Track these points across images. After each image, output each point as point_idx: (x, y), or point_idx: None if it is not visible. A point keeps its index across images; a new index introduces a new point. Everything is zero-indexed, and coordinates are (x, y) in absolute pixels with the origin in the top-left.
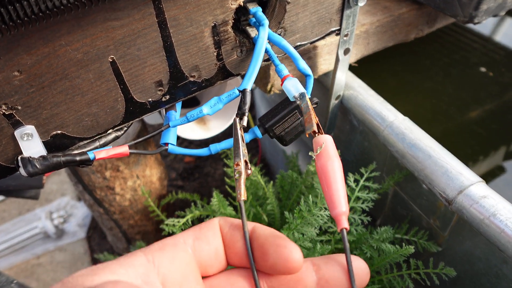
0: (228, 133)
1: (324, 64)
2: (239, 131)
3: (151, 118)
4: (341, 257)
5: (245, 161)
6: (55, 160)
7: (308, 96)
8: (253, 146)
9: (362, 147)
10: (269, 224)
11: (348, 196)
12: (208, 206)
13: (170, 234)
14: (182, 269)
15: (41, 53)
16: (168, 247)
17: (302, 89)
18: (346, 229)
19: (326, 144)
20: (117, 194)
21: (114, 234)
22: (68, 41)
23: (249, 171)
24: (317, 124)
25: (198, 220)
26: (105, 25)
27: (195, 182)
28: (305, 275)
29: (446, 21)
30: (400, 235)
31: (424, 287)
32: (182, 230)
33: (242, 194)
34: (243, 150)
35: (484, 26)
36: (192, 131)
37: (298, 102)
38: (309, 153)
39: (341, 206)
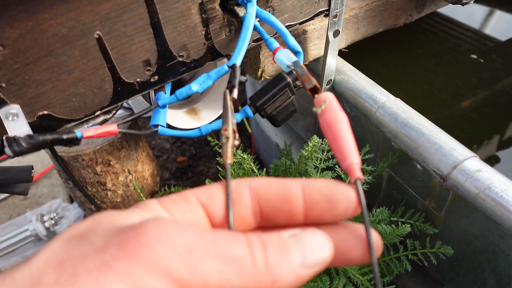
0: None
1: (314, 50)
2: (228, 102)
3: (140, 108)
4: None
5: (233, 130)
6: (41, 138)
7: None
8: (246, 144)
9: (355, 133)
10: None
11: (342, 180)
12: None
13: None
14: (191, 222)
15: (24, 26)
16: (180, 200)
17: (295, 58)
18: (360, 179)
19: (330, 100)
20: (109, 190)
21: None
22: (52, 14)
23: (236, 142)
24: (316, 82)
25: None
26: None
27: (189, 181)
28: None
29: (435, 6)
30: (396, 218)
31: (422, 268)
32: None
33: (229, 157)
34: (231, 119)
35: (473, 20)
36: (184, 121)
37: (292, 69)
38: (313, 110)
39: (353, 156)
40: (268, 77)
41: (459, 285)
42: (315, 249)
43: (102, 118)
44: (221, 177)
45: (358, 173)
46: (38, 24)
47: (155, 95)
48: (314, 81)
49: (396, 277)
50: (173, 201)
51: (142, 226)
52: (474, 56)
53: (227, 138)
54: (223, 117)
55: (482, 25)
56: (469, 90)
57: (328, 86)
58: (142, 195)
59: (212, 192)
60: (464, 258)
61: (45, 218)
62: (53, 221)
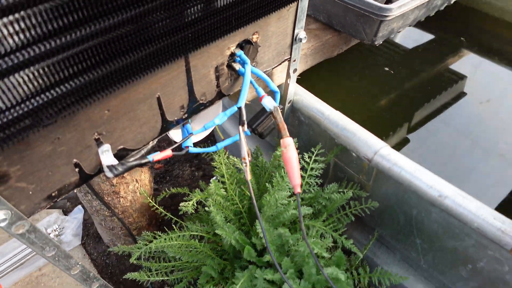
0: (211, 136)
1: (278, 79)
2: (242, 136)
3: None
4: None
5: (248, 153)
6: (129, 164)
7: (280, 108)
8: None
9: (308, 135)
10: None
11: (305, 168)
12: (206, 190)
13: (183, 214)
14: None
15: (121, 97)
16: None
17: (275, 104)
18: (298, 192)
19: (290, 144)
20: (121, 197)
21: (114, 234)
22: (136, 88)
23: (250, 158)
24: (287, 130)
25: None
26: (157, 76)
27: (168, 184)
28: None
29: (356, 41)
30: (341, 189)
31: (361, 219)
32: (194, 209)
33: (249, 176)
34: (246, 147)
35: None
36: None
37: (273, 111)
38: (282, 148)
39: (296, 179)
40: (248, 102)
41: (384, 227)
42: None
43: (151, 145)
44: (216, 170)
45: (298, 189)
46: (129, 95)
47: (183, 126)
48: (287, 133)
49: (345, 227)
50: None
51: None
52: (387, 69)
53: (246, 164)
54: (240, 147)
55: (396, 35)
56: (383, 95)
57: (289, 105)
58: (148, 198)
59: None
60: (385, 209)
61: (49, 230)
62: (56, 232)
